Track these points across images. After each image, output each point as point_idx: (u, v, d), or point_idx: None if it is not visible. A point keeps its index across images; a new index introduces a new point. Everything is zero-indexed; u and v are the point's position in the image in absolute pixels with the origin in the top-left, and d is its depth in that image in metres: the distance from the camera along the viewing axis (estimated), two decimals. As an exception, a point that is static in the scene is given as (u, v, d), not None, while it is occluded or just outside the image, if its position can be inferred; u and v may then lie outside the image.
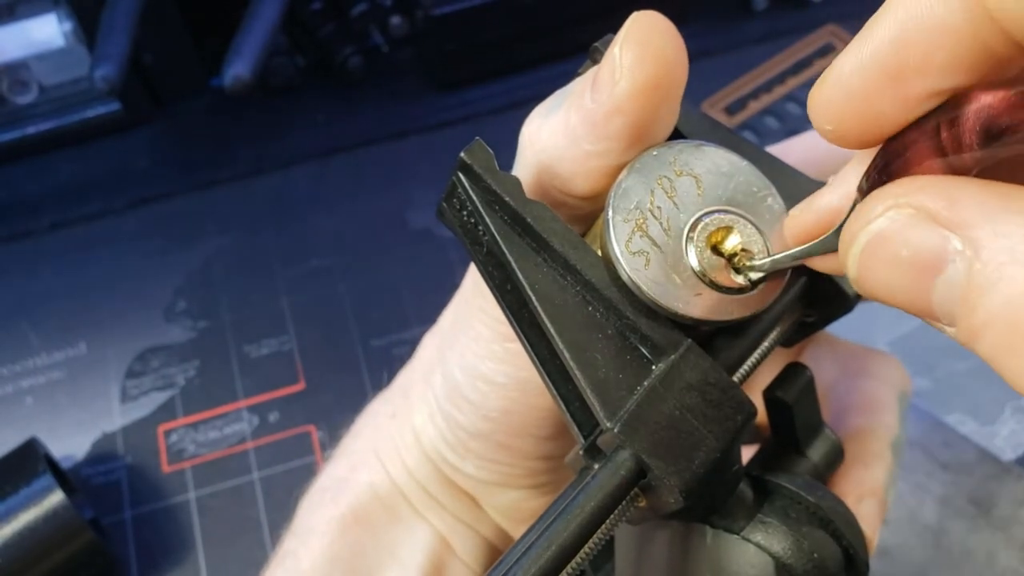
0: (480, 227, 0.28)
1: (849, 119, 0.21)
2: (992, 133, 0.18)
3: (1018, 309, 0.17)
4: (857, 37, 0.20)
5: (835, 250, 0.23)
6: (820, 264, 0.25)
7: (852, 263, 0.21)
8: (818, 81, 0.21)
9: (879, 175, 0.21)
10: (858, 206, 0.21)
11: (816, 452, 0.34)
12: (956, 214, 0.19)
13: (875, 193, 0.20)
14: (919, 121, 0.20)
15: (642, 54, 0.26)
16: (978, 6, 0.18)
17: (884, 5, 0.20)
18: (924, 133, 0.20)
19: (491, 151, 0.28)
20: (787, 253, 0.26)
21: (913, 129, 0.20)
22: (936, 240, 0.19)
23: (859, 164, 0.23)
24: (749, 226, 0.27)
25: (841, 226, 0.22)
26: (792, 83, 0.83)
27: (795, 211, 0.26)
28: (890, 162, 0.21)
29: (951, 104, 0.20)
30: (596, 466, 0.26)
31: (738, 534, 0.29)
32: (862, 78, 0.20)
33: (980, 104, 0.19)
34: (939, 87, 0.20)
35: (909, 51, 0.19)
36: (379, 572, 0.39)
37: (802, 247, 0.25)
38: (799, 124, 0.78)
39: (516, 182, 0.27)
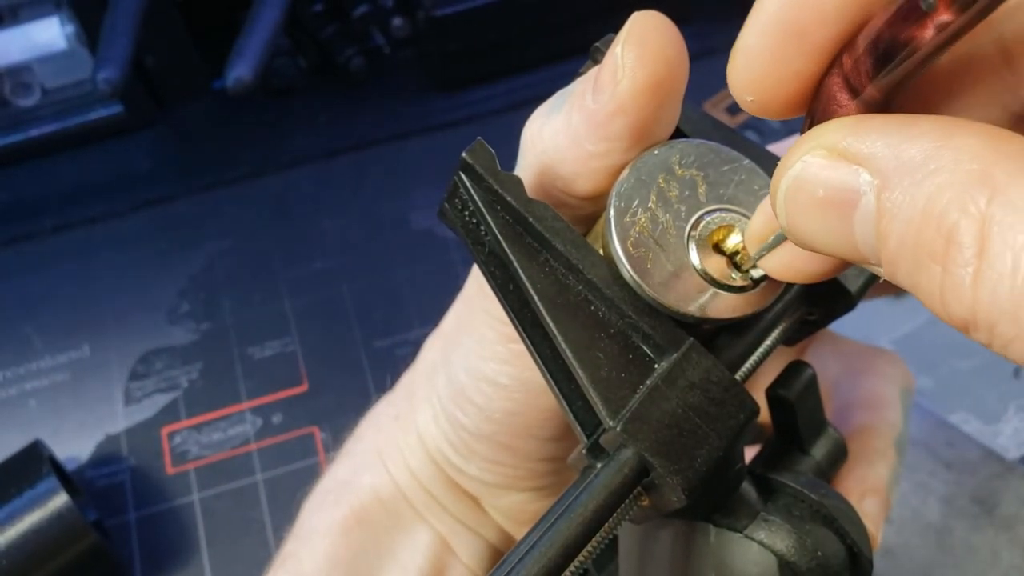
0: (482, 227, 0.28)
1: (765, 85, 0.21)
2: (881, 54, 0.19)
3: (921, 227, 0.18)
4: (754, 6, 0.21)
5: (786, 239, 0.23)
6: (776, 264, 0.25)
7: (780, 214, 0.21)
8: (730, 57, 0.22)
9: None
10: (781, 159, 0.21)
11: (819, 450, 0.34)
12: (862, 147, 0.19)
13: (793, 143, 0.21)
14: (830, 68, 0.21)
15: (643, 54, 0.26)
16: None
17: None
18: (834, 76, 0.21)
19: (493, 151, 0.28)
20: (756, 252, 0.26)
21: (826, 77, 0.21)
22: (847, 176, 0.19)
23: None
24: (751, 224, 0.27)
25: None
26: (794, 82, 0.83)
27: (752, 219, 0.26)
28: (813, 117, 0.21)
29: (851, 41, 0.20)
30: (599, 465, 0.26)
31: (741, 532, 0.29)
32: (767, 41, 0.21)
33: (867, 28, 0.19)
34: (840, 30, 0.20)
35: (802, 5, 0.20)
36: (379, 574, 0.39)
37: (764, 244, 0.25)
38: (800, 123, 0.78)
39: (518, 182, 0.27)
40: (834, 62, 0.21)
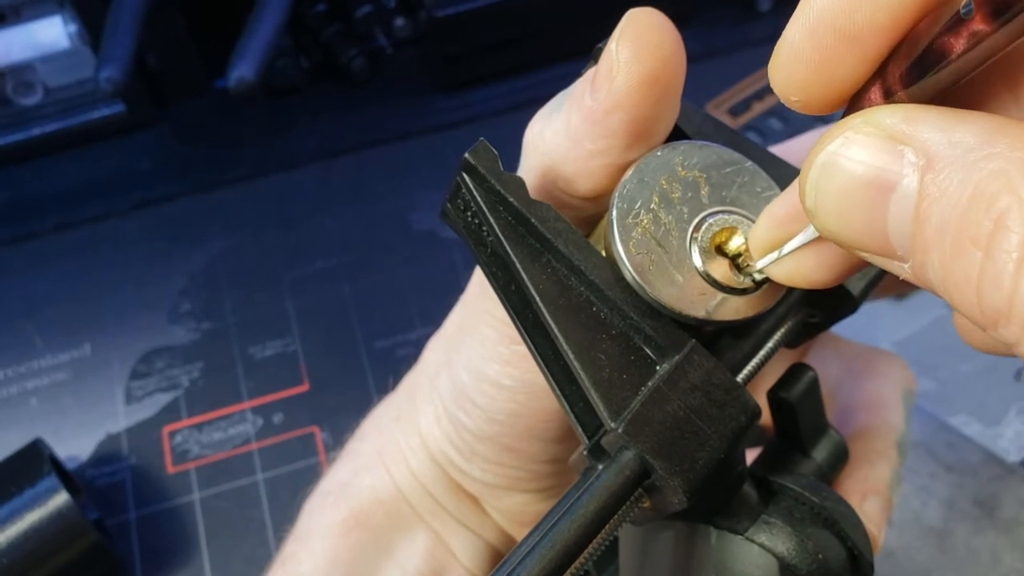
0: (484, 228, 0.28)
1: (812, 85, 0.21)
2: (917, 62, 0.19)
3: (968, 209, 0.17)
4: (803, 2, 0.20)
5: (806, 241, 0.23)
6: (782, 271, 0.25)
7: (810, 193, 0.21)
8: (773, 54, 0.21)
9: None
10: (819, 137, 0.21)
11: (820, 452, 0.34)
12: (912, 127, 0.19)
13: (834, 124, 0.20)
14: (876, 72, 0.20)
15: (638, 50, 0.26)
16: None
17: None
18: (876, 80, 0.20)
19: (495, 152, 0.28)
20: (764, 260, 0.25)
21: (869, 80, 0.21)
22: (890, 155, 0.19)
23: None
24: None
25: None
26: (796, 84, 0.83)
27: (755, 227, 0.25)
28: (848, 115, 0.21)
29: (898, 47, 0.20)
30: (600, 466, 0.26)
31: (742, 535, 0.29)
32: (814, 44, 0.20)
33: (909, 36, 0.19)
34: (893, 38, 0.20)
35: (855, 9, 0.19)
36: (378, 575, 0.39)
37: (769, 253, 0.25)
38: (802, 125, 0.78)
39: (520, 182, 0.27)
40: (880, 67, 0.20)
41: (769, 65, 0.22)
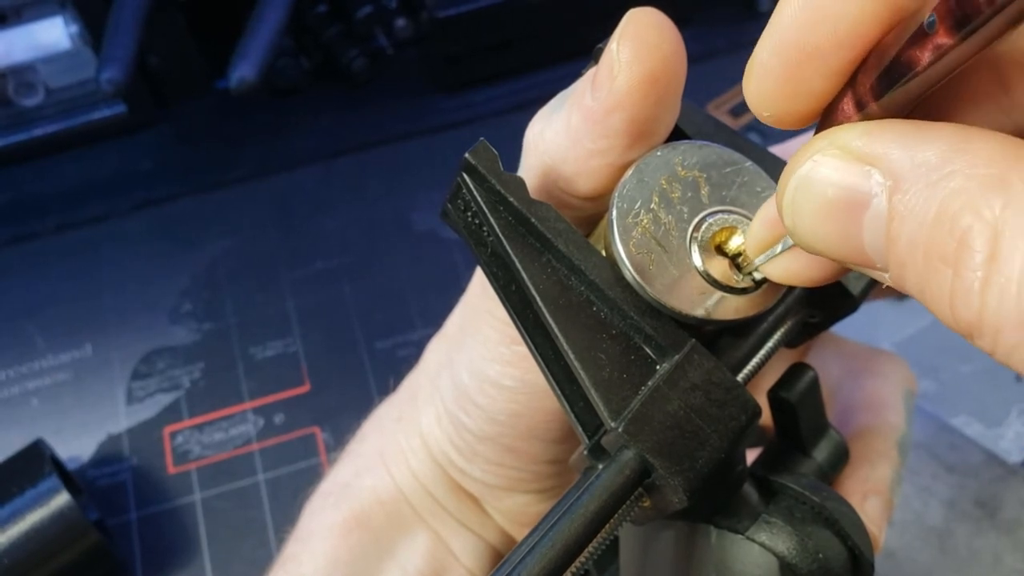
0: (484, 228, 0.28)
1: (781, 101, 0.21)
2: (885, 74, 0.19)
3: (933, 230, 0.18)
4: (770, 20, 0.21)
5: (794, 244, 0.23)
6: (777, 269, 0.25)
7: (787, 214, 0.21)
8: (745, 71, 0.22)
9: None
10: (790, 158, 0.21)
11: (821, 452, 0.34)
12: (875, 148, 0.19)
13: (803, 144, 0.21)
14: (846, 86, 0.21)
15: (639, 49, 0.26)
16: None
17: None
18: (848, 93, 0.21)
19: (495, 152, 0.28)
20: (757, 259, 0.26)
21: (840, 93, 0.21)
22: (858, 176, 0.19)
23: None
24: (753, 226, 0.27)
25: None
26: (797, 85, 0.83)
27: (750, 227, 0.26)
28: (822, 127, 0.21)
29: (866, 60, 0.20)
30: (600, 466, 0.26)
31: (742, 534, 0.29)
32: (781, 61, 0.21)
33: (877, 48, 0.19)
34: (855, 53, 0.20)
35: (818, 25, 0.20)
36: None
37: (765, 251, 0.25)
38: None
39: (520, 183, 0.27)
40: (851, 80, 0.20)
41: (742, 82, 0.22)
